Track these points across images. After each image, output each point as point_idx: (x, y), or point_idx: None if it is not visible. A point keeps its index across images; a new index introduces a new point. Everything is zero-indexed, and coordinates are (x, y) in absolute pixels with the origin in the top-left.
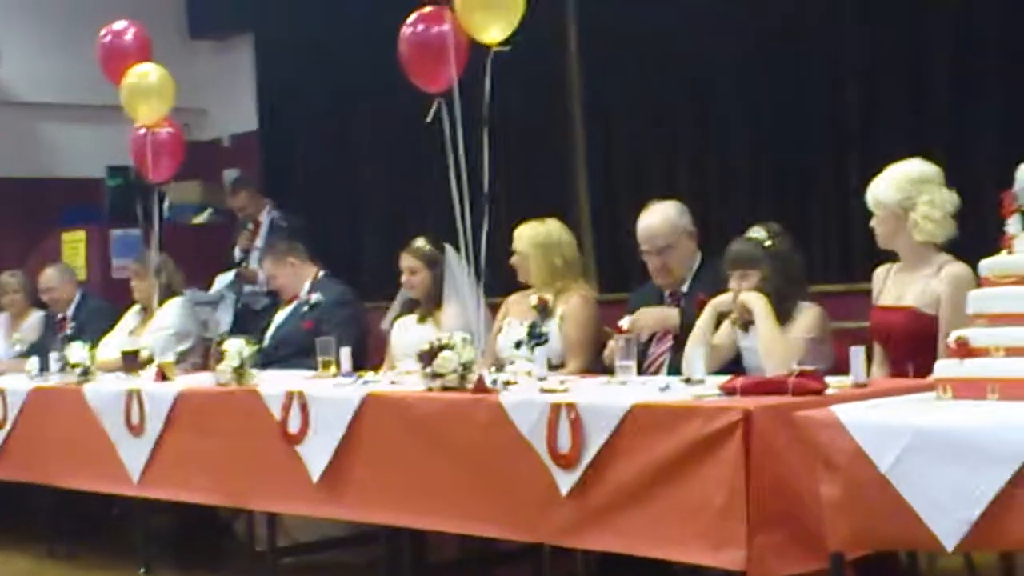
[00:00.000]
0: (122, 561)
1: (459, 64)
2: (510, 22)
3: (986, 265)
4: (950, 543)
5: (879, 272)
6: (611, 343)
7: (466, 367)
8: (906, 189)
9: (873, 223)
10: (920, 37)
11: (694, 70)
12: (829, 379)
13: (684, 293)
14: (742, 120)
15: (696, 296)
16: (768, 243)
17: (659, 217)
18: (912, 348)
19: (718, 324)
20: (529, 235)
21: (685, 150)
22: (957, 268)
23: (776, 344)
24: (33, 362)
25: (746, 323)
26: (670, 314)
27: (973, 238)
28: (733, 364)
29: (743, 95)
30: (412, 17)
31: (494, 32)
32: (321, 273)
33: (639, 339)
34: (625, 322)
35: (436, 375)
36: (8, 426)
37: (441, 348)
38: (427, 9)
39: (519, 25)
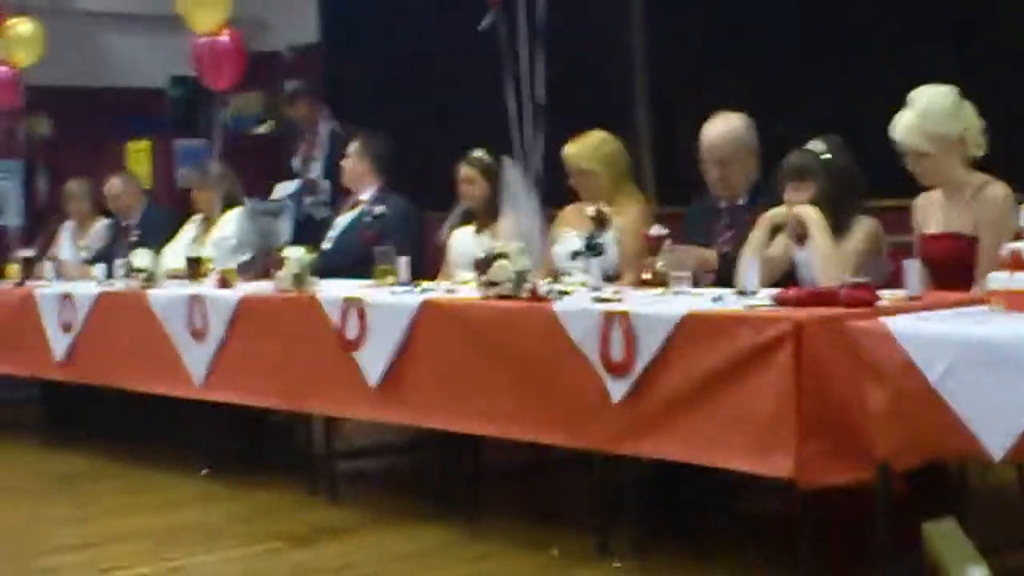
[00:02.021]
0: (184, 463)
1: None
2: None
3: None
4: (997, 453)
5: (921, 199)
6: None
7: (521, 276)
8: (957, 115)
9: (918, 162)
10: None
11: None
12: (882, 292)
13: (741, 207)
14: (803, 33)
15: (752, 211)
16: (825, 155)
17: (724, 128)
18: (961, 273)
19: (773, 237)
20: (585, 148)
21: (745, 62)
22: (999, 188)
23: (830, 256)
24: (99, 268)
25: (800, 236)
26: (708, 255)
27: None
28: (787, 277)
29: (804, 6)
30: None
31: None
32: (384, 184)
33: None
34: (655, 229)
35: (491, 283)
36: (76, 330)
37: (497, 257)
38: None
39: None
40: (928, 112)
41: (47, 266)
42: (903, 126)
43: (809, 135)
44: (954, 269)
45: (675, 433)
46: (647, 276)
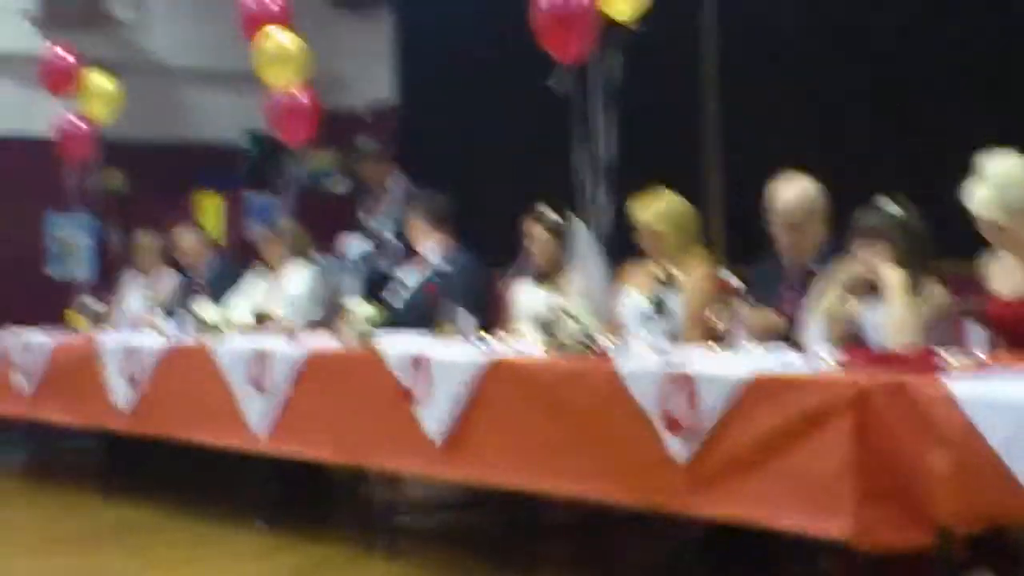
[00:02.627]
0: (242, 516)
1: (591, 36)
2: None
3: None
4: None
5: (987, 262)
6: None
7: (586, 334)
8: None
9: (995, 234)
10: None
11: (828, 46)
12: (947, 356)
13: (809, 270)
14: (874, 96)
15: (818, 273)
16: (897, 215)
17: (798, 193)
18: None
19: (843, 296)
20: (652, 208)
21: (816, 123)
22: None
23: (900, 319)
24: (166, 320)
25: (869, 296)
26: (777, 321)
27: None
28: (855, 337)
29: (875, 70)
30: None
31: (624, 7)
32: (452, 242)
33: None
34: (730, 279)
35: (556, 341)
36: (140, 382)
37: (562, 315)
38: None
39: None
40: (1005, 185)
41: (117, 317)
42: (980, 200)
43: (879, 195)
44: None
45: (735, 494)
46: (711, 320)
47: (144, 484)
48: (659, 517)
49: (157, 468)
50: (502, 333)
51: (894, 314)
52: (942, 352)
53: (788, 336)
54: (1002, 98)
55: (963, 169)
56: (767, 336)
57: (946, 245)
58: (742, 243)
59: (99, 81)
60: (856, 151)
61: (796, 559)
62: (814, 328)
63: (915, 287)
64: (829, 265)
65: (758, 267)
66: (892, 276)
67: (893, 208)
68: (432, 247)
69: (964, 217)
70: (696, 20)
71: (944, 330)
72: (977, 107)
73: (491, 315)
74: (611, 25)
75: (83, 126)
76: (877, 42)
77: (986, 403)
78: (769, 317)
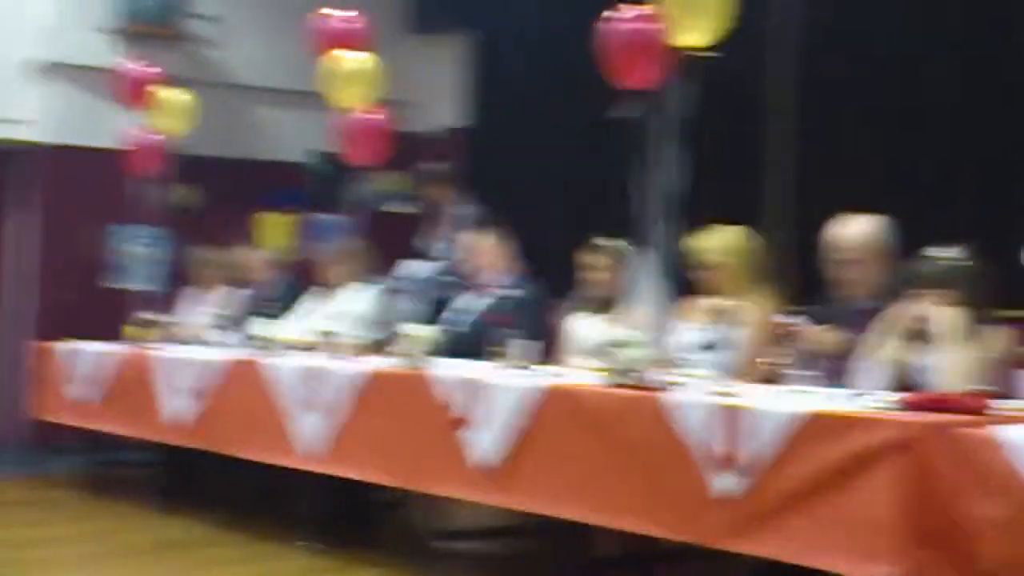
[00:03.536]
0: (290, 535)
1: (660, 65)
2: (714, 29)
3: None
4: None
5: None
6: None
7: (641, 366)
8: None
9: None
10: None
11: (899, 88)
12: (1003, 403)
13: (868, 310)
14: (944, 139)
15: (879, 313)
16: (959, 263)
17: (859, 230)
18: None
19: (902, 339)
20: (717, 243)
21: (882, 167)
22: None
23: (958, 362)
24: (228, 334)
25: (925, 343)
26: (844, 340)
27: None
28: (909, 382)
29: (948, 113)
30: (618, 14)
31: (697, 36)
32: (517, 269)
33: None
34: (786, 319)
35: (610, 371)
36: (201, 396)
37: (618, 345)
38: (634, 8)
39: (725, 34)
40: None
41: (177, 331)
42: None
43: (942, 242)
44: None
45: (780, 532)
46: (765, 364)
47: (199, 499)
48: (707, 553)
49: (213, 483)
50: (558, 364)
51: (949, 357)
52: (996, 398)
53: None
54: None
55: None
56: (832, 353)
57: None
58: (810, 282)
59: (172, 96)
60: (927, 196)
61: None
62: (869, 371)
63: (973, 332)
64: (886, 307)
65: (819, 306)
66: (948, 319)
67: (949, 254)
68: (496, 273)
69: None
70: (769, 53)
71: (1005, 376)
72: None
73: (551, 345)
74: (683, 55)
75: (154, 139)
76: (953, 84)
77: None
78: (835, 334)
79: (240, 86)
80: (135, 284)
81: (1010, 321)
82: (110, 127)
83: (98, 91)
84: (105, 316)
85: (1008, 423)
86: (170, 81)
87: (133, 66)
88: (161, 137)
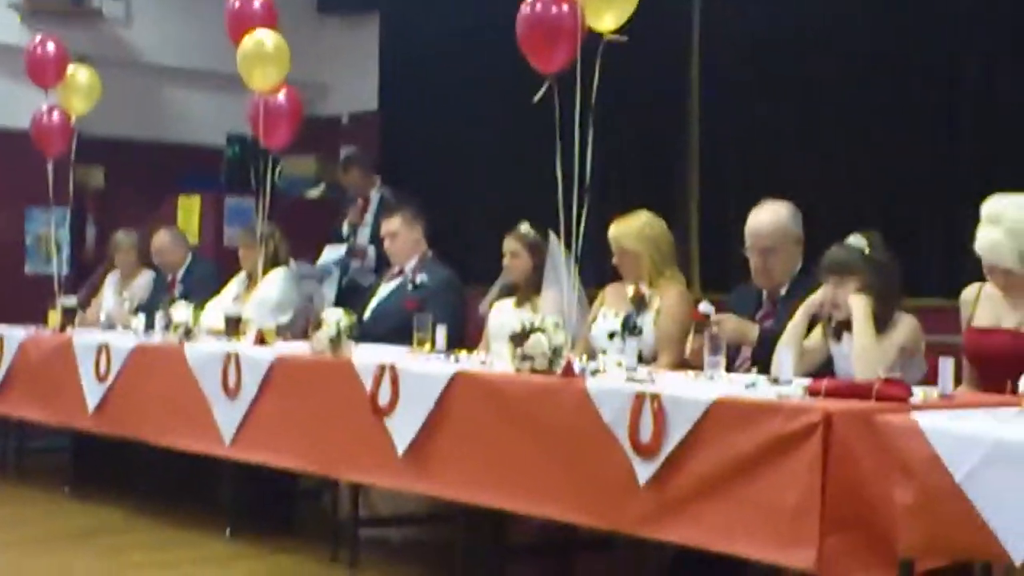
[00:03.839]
0: (208, 521)
1: (573, 49)
2: (626, 11)
3: None
4: (1020, 557)
5: (968, 293)
6: (691, 336)
7: (556, 351)
8: None
9: (1001, 277)
10: None
11: (810, 73)
12: (916, 389)
13: (782, 296)
14: (854, 129)
15: (792, 300)
16: (867, 251)
17: (770, 217)
18: (1014, 369)
19: (812, 327)
20: (631, 229)
21: (795, 154)
22: None
23: (869, 349)
24: (139, 319)
25: (838, 329)
26: (751, 328)
27: None
28: (823, 368)
29: (857, 103)
30: None
31: (609, 19)
32: (429, 253)
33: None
34: (703, 306)
35: (526, 357)
36: (110, 381)
37: (533, 331)
38: None
39: (635, 15)
40: (1017, 231)
41: (100, 316)
42: (991, 244)
43: (851, 231)
44: (1008, 366)
45: (699, 519)
46: (691, 352)
47: (113, 486)
48: (627, 541)
49: (126, 469)
50: (477, 350)
51: (860, 344)
52: (910, 384)
53: (760, 355)
54: (986, 140)
55: (945, 207)
56: (740, 342)
57: (924, 282)
58: (720, 268)
59: (81, 75)
60: (838, 185)
61: None
62: (782, 356)
63: (884, 320)
64: (800, 294)
65: (734, 293)
66: (859, 305)
67: (861, 242)
68: (410, 259)
69: (944, 255)
70: (682, 38)
71: (914, 364)
72: (962, 146)
73: (468, 332)
74: (595, 37)
75: (60, 119)
76: (866, 74)
77: (953, 436)
78: (744, 324)
79: (153, 66)
80: (51, 268)
81: (917, 309)
82: (25, 108)
83: (11, 71)
84: (25, 300)
85: (926, 409)
86: (79, 60)
87: (43, 45)
88: (66, 116)
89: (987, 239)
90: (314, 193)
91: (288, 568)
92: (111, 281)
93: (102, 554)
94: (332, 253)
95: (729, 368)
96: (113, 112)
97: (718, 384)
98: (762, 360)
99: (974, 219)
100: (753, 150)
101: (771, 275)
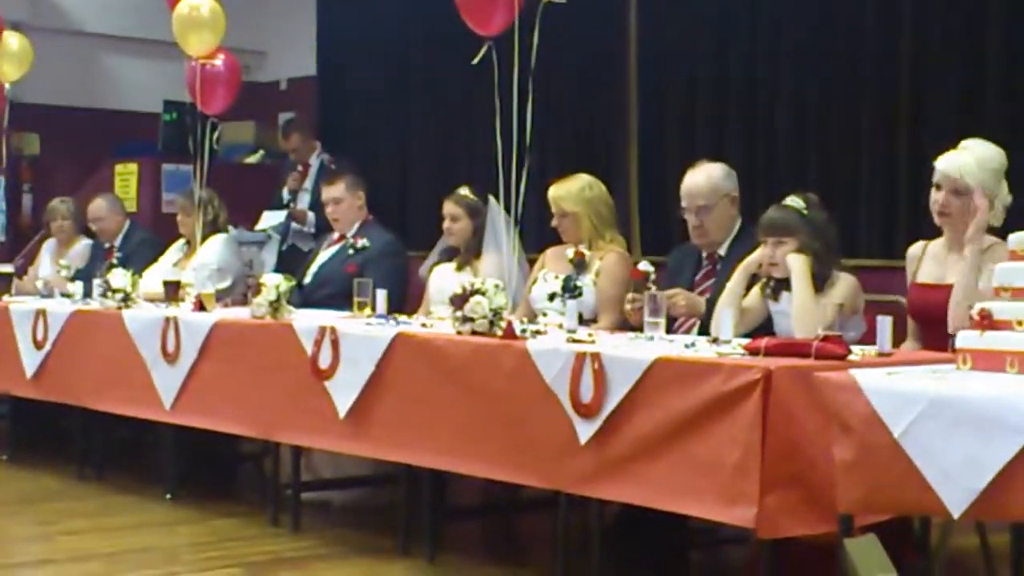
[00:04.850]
0: (148, 486)
1: (512, 11)
2: None
3: (1015, 239)
4: (957, 510)
5: (914, 250)
6: (628, 295)
7: (496, 313)
8: (998, 175)
9: (955, 199)
10: (976, 10)
11: (750, 36)
12: (855, 347)
13: (721, 257)
14: (792, 90)
15: (730, 259)
16: (804, 212)
17: (703, 177)
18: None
19: (750, 287)
20: (570, 191)
21: (735, 116)
22: (1004, 250)
23: (808, 308)
24: (77, 286)
25: (777, 289)
26: (700, 302)
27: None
28: (762, 328)
29: (794, 63)
30: None
31: None
32: (370, 218)
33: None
34: (643, 265)
35: (466, 319)
36: (47, 347)
37: (473, 293)
38: None
39: None
40: (985, 161)
41: (38, 283)
42: (960, 162)
43: (791, 192)
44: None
45: (641, 477)
46: (629, 310)
47: (52, 453)
48: (569, 500)
49: (65, 436)
50: (418, 314)
51: (799, 302)
52: (849, 342)
53: (705, 320)
54: (922, 101)
55: (883, 169)
56: (692, 316)
57: (861, 242)
58: (660, 229)
59: (11, 41)
60: (777, 146)
61: (705, 544)
62: (721, 316)
63: (823, 279)
64: (739, 254)
65: (673, 253)
66: (797, 264)
67: (798, 203)
68: (351, 224)
69: (882, 215)
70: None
71: (853, 322)
72: (899, 107)
73: (409, 296)
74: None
75: None
76: (804, 34)
77: (890, 393)
78: (694, 298)
79: (89, 33)
80: None
81: (856, 269)
82: None
83: None
84: None
85: (864, 366)
86: (13, 27)
87: None
88: (2, 85)
89: (956, 157)
90: (253, 159)
91: (229, 532)
92: (48, 249)
93: (41, 521)
94: (273, 218)
95: (671, 330)
96: (49, 79)
97: (658, 344)
98: (704, 323)
99: (911, 181)
100: (692, 112)
101: (707, 234)
